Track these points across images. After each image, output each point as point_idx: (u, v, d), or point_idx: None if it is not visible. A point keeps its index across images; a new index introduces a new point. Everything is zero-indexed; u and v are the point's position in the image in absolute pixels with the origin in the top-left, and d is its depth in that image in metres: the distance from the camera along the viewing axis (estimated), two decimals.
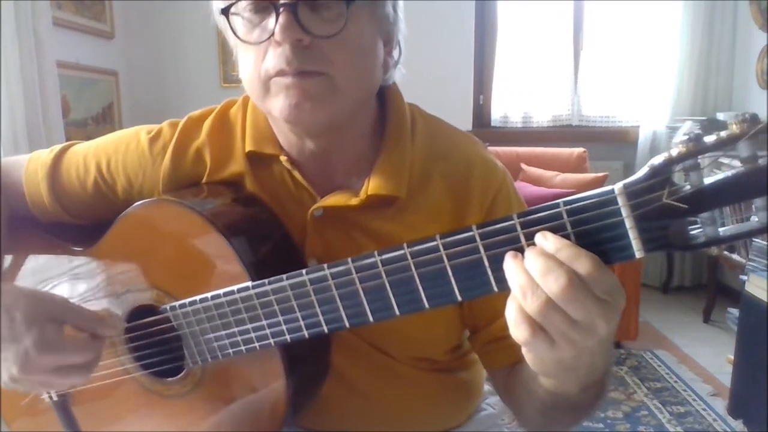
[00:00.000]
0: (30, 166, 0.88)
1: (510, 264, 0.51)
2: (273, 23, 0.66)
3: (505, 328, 0.75)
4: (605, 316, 0.49)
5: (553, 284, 0.48)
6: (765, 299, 1.97)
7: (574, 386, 0.59)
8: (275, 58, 0.67)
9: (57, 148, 0.88)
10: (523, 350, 0.54)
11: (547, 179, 3.16)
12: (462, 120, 3.69)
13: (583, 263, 0.48)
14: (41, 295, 0.73)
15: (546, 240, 0.50)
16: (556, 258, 0.49)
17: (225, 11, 0.71)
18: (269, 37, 0.67)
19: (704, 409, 2.32)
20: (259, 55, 0.69)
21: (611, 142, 3.79)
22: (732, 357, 2.20)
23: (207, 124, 0.83)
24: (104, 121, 3.31)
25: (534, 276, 0.49)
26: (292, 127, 0.75)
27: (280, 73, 0.68)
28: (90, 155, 0.85)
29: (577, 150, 3.34)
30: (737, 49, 3.56)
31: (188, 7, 3.51)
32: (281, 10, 0.65)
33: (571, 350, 0.51)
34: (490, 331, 0.78)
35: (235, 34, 0.71)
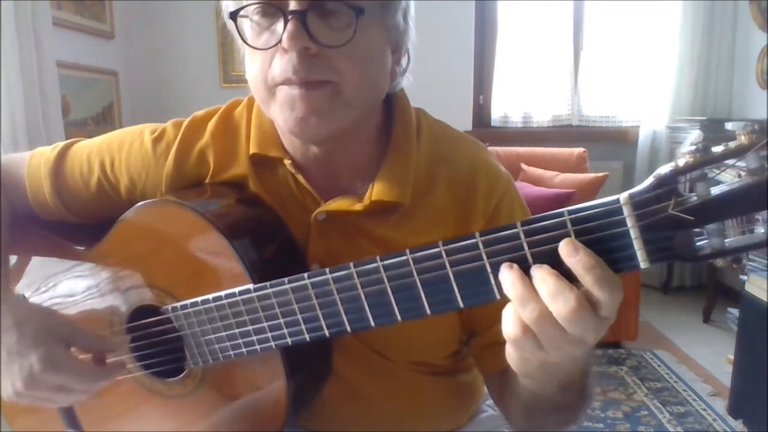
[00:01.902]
0: (32, 162, 0.88)
1: (505, 275, 0.51)
2: (281, 28, 0.66)
3: (501, 333, 0.75)
4: (599, 331, 0.50)
5: (562, 307, 0.48)
6: (765, 299, 1.97)
7: (553, 386, 0.60)
8: (282, 65, 0.67)
9: (60, 145, 0.88)
10: (508, 348, 0.55)
11: (547, 179, 3.15)
12: (462, 120, 3.68)
13: (608, 287, 0.48)
14: (51, 315, 0.76)
15: (577, 253, 0.49)
16: (565, 279, 0.49)
17: (233, 15, 0.70)
18: (276, 44, 0.67)
19: (704, 409, 2.32)
20: (265, 61, 0.69)
21: (611, 142, 3.79)
22: (732, 357, 2.20)
23: (211, 125, 0.83)
24: (104, 121, 3.31)
25: (542, 295, 0.49)
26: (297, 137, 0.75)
27: (286, 82, 0.68)
28: (94, 154, 0.85)
29: (577, 150, 3.34)
30: (737, 49, 3.56)
31: (188, 8, 3.50)
32: (290, 17, 0.65)
33: (558, 357, 0.52)
34: (487, 335, 0.78)
35: (242, 38, 0.71)
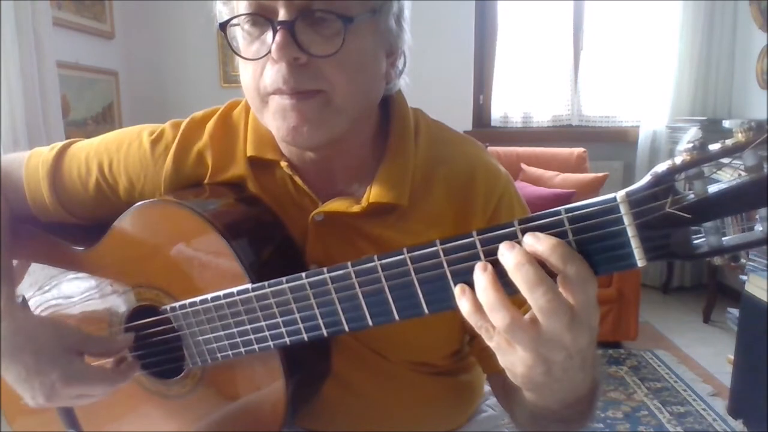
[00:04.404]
0: (31, 163, 0.87)
1: (480, 277, 0.51)
2: (271, 38, 0.66)
3: None
4: (572, 330, 0.49)
5: (540, 297, 0.48)
6: (765, 299, 1.97)
7: (554, 402, 0.59)
8: (272, 75, 0.67)
9: (58, 145, 0.88)
10: (500, 361, 0.55)
11: (547, 179, 3.16)
12: (462, 120, 3.69)
13: (576, 263, 0.48)
14: (61, 327, 0.76)
15: (538, 239, 0.49)
16: (542, 269, 0.49)
17: (222, 26, 0.71)
18: (267, 54, 0.67)
19: (704, 409, 2.32)
20: (257, 70, 0.69)
21: (611, 142, 3.79)
22: (732, 357, 2.20)
23: (210, 126, 0.83)
24: (104, 121, 3.31)
25: (521, 287, 0.49)
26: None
27: (277, 92, 0.68)
28: (92, 155, 0.85)
29: (577, 150, 3.35)
30: (737, 49, 3.56)
31: (188, 8, 3.51)
32: (278, 28, 0.65)
33: (539, 364, 0.51)
34: None
35: (232, 48, 0.71)
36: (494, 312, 0.50)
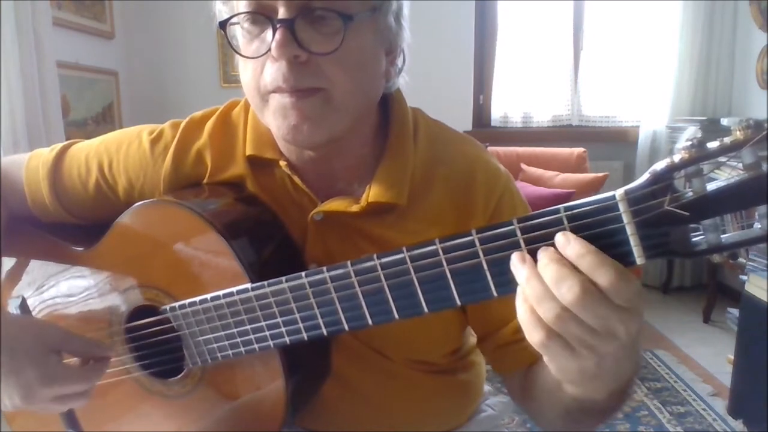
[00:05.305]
0: (31, 164, 0.88)
1: (520, 269, 0.50)
2: (270, 36, 0.66)
3: (516, 331, 0.74)
4: (624, 321, 0.48)
5: (566, 293, 0.47)
6: (765, 299, 1.97)
7: (600, 393, 0.57)
8: (272, 73, 0.67)
9: (58, 146, 0.88)
10: (545, 359, 0.53)
11: (547, 179, 3.15)
12: (462, 120, 3.68)
13: (606, 272, 0.47)
14: (40, 327, 0.75)
15: (569, 243, 0.48)
16: (569, 265, 0.48)
17: (222, 25, 0.71)
18: (267, 52, 0.67)
19: (704, 409, 2.32)
20: (257, 68, 0.69)
21: (611, 142, 3.79)
22: (732, 357, 2.20)
23: (209, 126, 0.83)
24: (104, 121, 3.31)
25: (546, 281, 0.48)
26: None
27: (277, 90, 0.68)
28: (92, 155, 0.85)
29: (577, 150, 3.34)
30: (737, 49, 3.56)
31: (188, 7, 3.51)
32: (278, 26, 0.65)
33: (591, 357, 0.50)
34: (500, 335, 0.78)
35: (232, 47, 0.71)
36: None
